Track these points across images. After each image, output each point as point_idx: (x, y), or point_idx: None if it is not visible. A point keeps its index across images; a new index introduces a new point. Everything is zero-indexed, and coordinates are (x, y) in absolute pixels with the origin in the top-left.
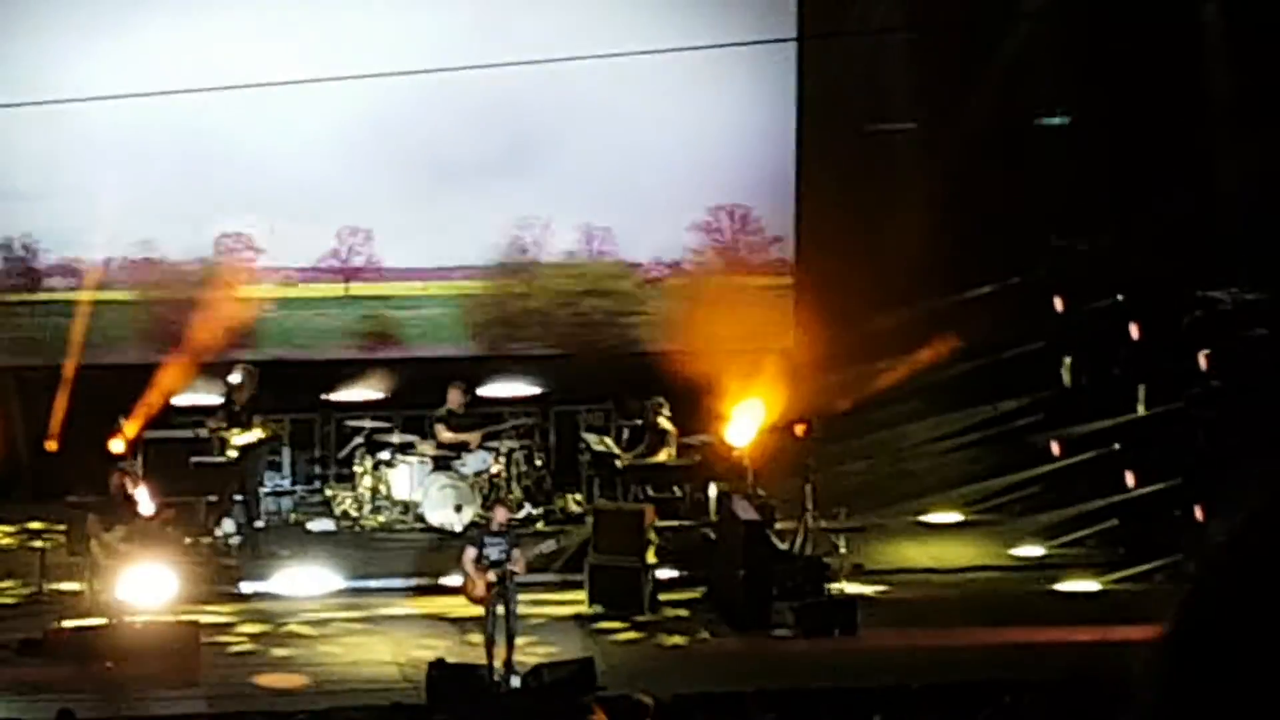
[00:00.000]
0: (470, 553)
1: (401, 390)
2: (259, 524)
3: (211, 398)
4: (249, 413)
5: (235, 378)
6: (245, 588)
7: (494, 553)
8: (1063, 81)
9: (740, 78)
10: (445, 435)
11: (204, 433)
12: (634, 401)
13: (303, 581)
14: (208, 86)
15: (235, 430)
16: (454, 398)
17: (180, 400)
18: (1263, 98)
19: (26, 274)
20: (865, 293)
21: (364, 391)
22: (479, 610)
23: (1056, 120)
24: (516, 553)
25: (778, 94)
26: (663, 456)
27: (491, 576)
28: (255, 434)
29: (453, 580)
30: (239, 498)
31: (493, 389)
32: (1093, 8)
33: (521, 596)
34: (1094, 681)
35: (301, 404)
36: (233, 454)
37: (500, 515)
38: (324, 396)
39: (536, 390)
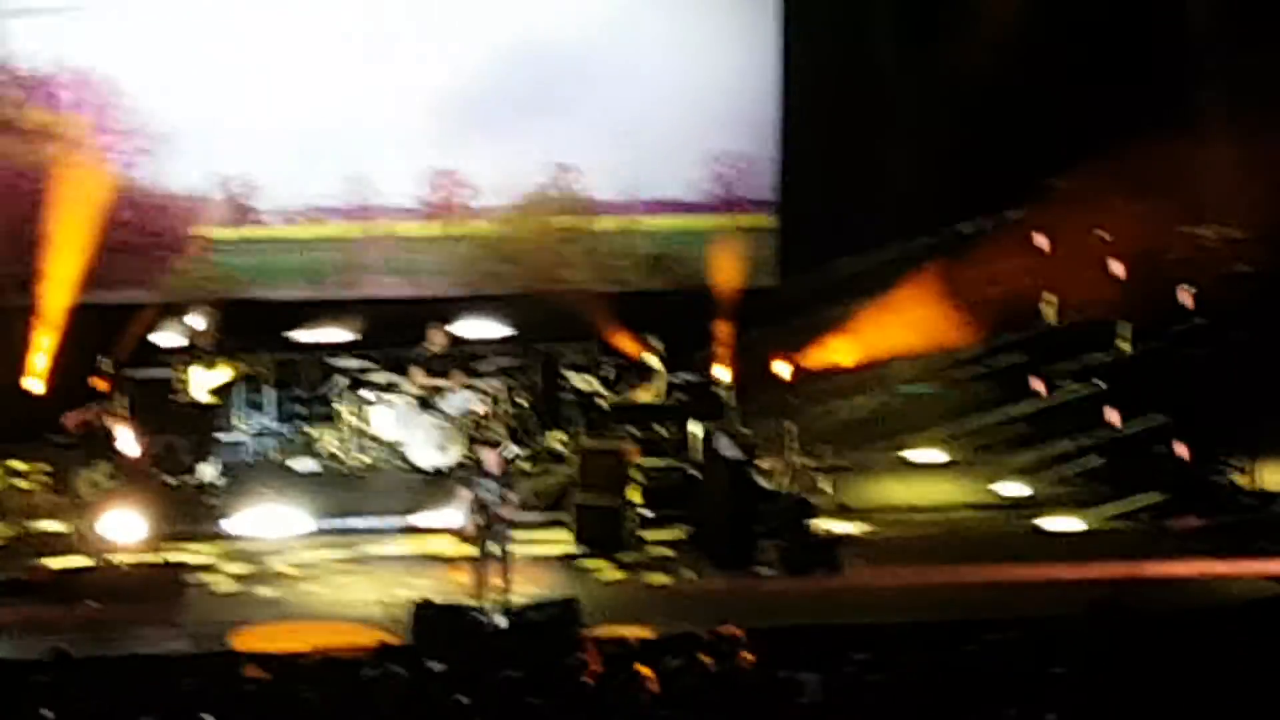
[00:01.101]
0: (464, 493)
1: (376, 330)
2: (207, 464)
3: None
4: (214, 354)
5: (197, 320)
6: (228, 527)
7: (486, 494)
8: (1048, 18)
9: (721, 18)
10: (419, 379)
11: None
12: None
13: (286, 521)
14: None
15: (201, 371)
16: (434, 338)
17: (162, 340)
18: (1243, 23)
19: (242, 210)
20: (850, 231)
21: (336, 332)
22: (468, 550)
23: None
24: (512, 495)
25: (760, 33)
26: (648, 395)
27: (481, 518)
28: (224, 374)
29: (439, 520)
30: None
31: (474, 329)
32: None
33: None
34: (1078, 618)
35: None
36: (202, 395)
37: (492, 458)
38: (288, 335)
39: (509, 330)
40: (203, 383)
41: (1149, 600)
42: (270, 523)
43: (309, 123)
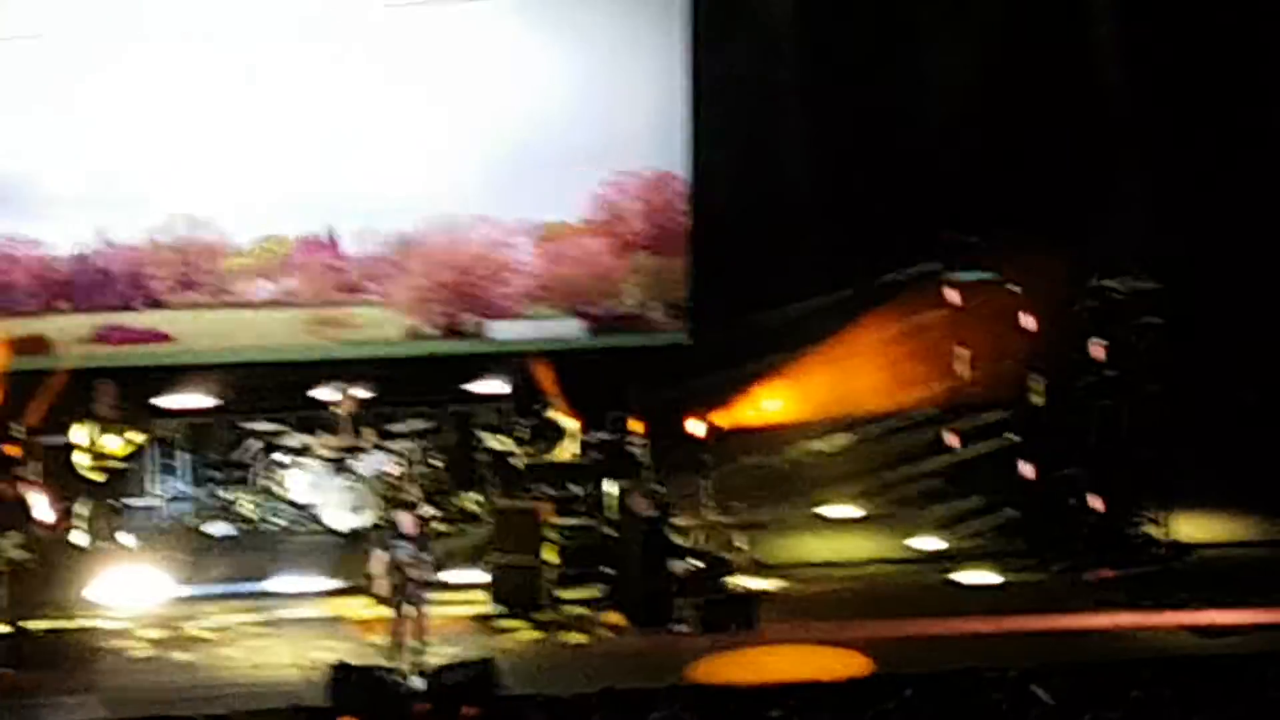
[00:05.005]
0: (380, 555)
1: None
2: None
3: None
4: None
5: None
6: (146, 593)
7: (401, 555)
8: (959, 73)
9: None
10: (331, 441)
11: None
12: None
13: (202, 585)
14: None
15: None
16: (344, 403)
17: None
18: (1155, 85)
19: None
20: (761, 286)
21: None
22: (384, 612)
23: None
24: (427, 556)
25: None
26: (561, 454)
27: (397, 579)
28: (133, 439)
29: (355, 582)
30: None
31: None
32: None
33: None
34: (992, 673)
35: None
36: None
37: (408, 520)
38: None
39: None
40: (105, 449)
41: (1065, 653)
42: (186, 587)
43: None
